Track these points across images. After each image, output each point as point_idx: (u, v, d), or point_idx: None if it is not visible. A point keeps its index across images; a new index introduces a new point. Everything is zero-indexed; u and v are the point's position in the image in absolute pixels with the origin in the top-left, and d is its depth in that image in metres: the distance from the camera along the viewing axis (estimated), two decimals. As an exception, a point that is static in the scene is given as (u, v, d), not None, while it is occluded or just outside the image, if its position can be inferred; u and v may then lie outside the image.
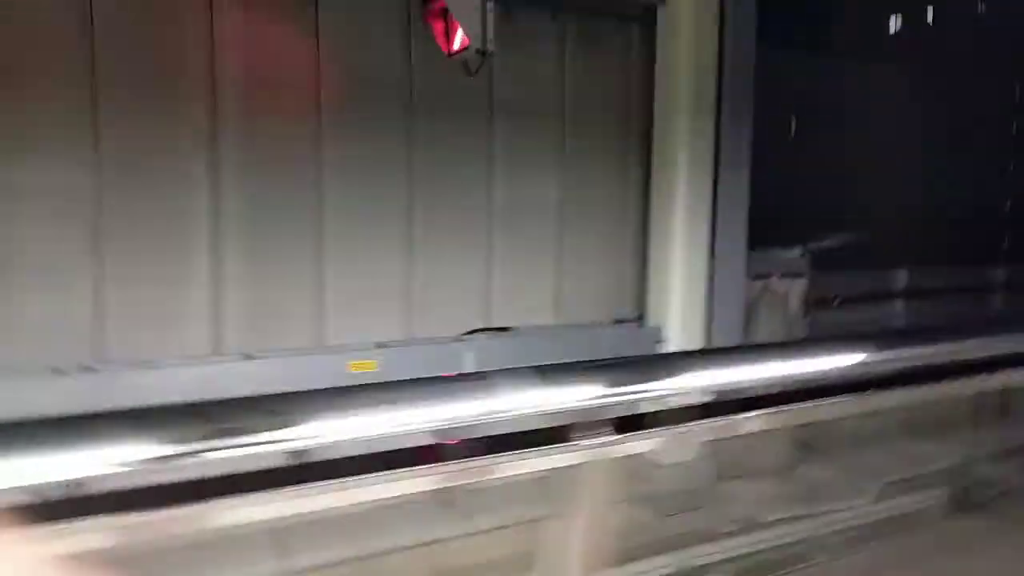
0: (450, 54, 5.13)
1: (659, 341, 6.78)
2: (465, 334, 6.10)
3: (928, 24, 8.83)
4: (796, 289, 7.48)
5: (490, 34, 4.96)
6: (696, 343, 6.77)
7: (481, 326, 6.24)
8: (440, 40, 5.16)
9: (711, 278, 6.79)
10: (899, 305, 8.59)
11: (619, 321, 6.83)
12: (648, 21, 6.67)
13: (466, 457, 2.72)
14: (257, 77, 5.29)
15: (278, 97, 5.37)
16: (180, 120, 5.12)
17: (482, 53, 5.00)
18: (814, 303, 7.66)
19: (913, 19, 8.74)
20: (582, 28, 6.49)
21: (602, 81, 6.63)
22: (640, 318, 6.91)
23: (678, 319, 6.69)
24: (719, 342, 6.88)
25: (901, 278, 8.51)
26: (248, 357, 5.23)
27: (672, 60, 6.51)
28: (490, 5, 4.88)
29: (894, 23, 8.58)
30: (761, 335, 7.31)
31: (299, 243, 5.53)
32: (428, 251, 5.99)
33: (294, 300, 5.55)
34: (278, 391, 2.62)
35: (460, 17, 4.92)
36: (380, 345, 5.68)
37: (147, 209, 5.05)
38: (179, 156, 5.13)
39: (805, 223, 7.65)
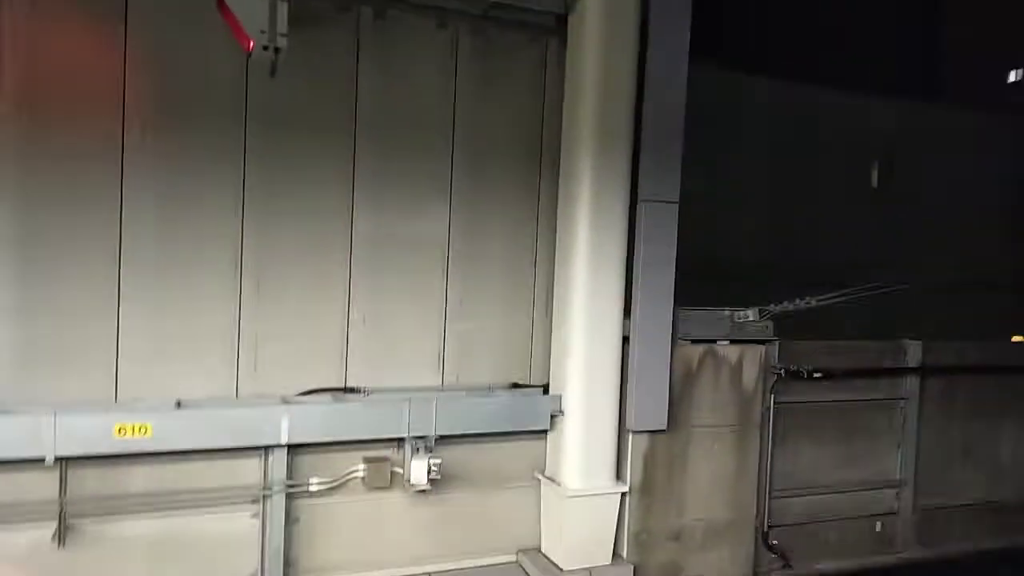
0: (248, 52, 4.06)
1: (556, 413, 5.37)
2: (300, 394, 4.90)
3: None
4: (753, 357, 5.91)
5: (281, 28, 3.87)
6: (605, 416, 5.32)
7: (332, 385, 5.02)
8: (238, 37, 4.10)
9: (624, 340, 5.35)
10: (907, 382, 6.75)
11: (517, 386, 5.46)
12: (562, 34, 5.44)
13: None
14: (45, 82, 4.36)
15: (71, 104, 4.41)
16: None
17: (274, 51, 3.92)
18: (781, 375, 6.05)
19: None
20: (480, 40, 5.31)
21: (506, 102, 5.40)
22: (544, 385, 5.52)
23: (580, 387, 5.27)
24: (637, 417, 5.41)
25: (909, 352, 6.69)
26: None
27: (578, 77, 5.24)
28: (279, -8, 3.79)
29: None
30: (704, 412, 5.77)
31: (90, 275, 4.50)
32: (265, 293, 4.86)
33: (81, 344, 4.50)
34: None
35: (238, 8, 3.85)
36: (181, 405, 4.56)
37: None
38: None
39: (770, 278, 6.11)
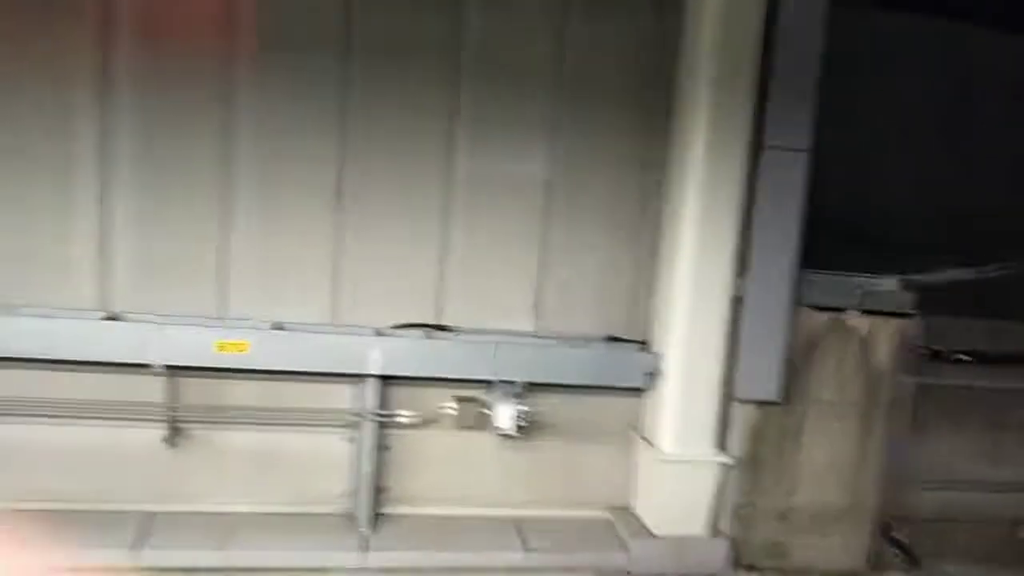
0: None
1: (654, 372, 5.05)
2: (393, 327, 4.90)
3: None
4: (888, 331, 5.26)
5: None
6: (708, 380, 4.95)
7: (425, 321, 4.99)
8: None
9: (737, 300, 4.91)
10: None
11: (614, 339, 5.19)
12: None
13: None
14: (158, 12, 4.50)
15: (182, 32, 4.55)
16: (68, 50, 4.43)
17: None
18: (920, 355, 5.36)
19: None
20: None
21: (617, 37, 4.99)
22: (644, 341, 5.21)
23: (682, 347, 4.91)
24: (745, 385, 4.99)
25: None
26: (112, 317, 4.51)
27: (697, 7, 4.74)
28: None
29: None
30: (825, 387, 5.23)
31: (200, 197, 4.68)
32: (363, 225, 4.87)
33: (193, 264, 4.73)
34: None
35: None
36: (277, 326, 4.69)
37: (31, 148, 4.47)
38: (65, 91, 4.46)
39: (913, 241, 5.37)
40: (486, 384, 4.97)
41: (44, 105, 4.42)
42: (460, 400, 4.99)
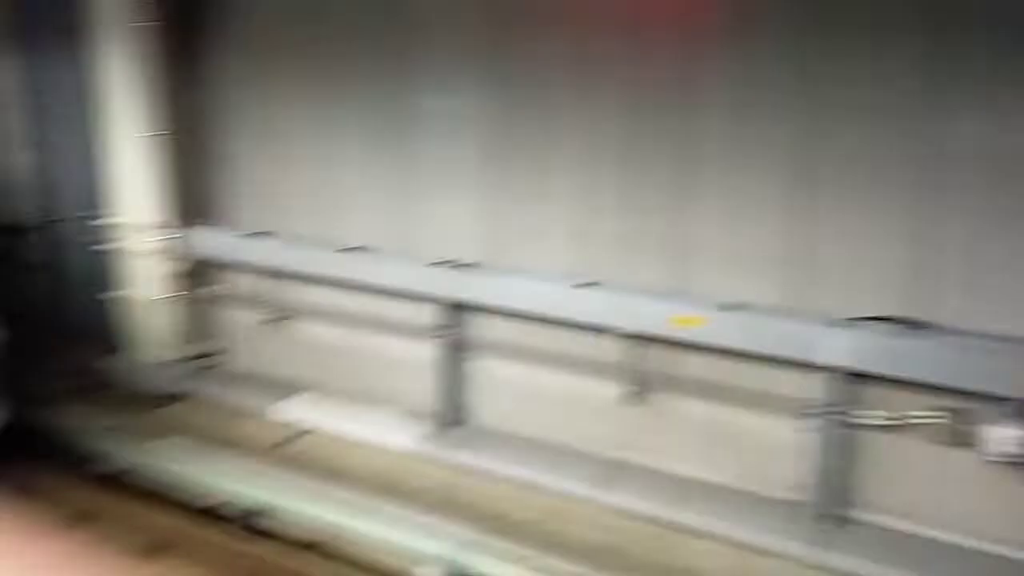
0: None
1: None
2: (854, 319, 4.35)
3: None
4: None
5: None
6: None
7: (892, 315, 4.32)
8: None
9: None
10: None
11: None
12: None
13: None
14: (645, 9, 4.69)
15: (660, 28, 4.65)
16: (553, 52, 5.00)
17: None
18: None
19: None
20: None
21: None
22: None
23: None
24: None
25: None
26: (580, 285, 4.99)
27: None
28: None
29: None
30: None
31: (667, 188, 4.83)
32: (818, 210, 4.43)
33: (659, 242, 4.92)
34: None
35: None
36: (731, 306, 4.59)
37: (525, 136, 5.22)
38: (550, 85, 5.05)
39: None
40: (974, 396, 4.10)
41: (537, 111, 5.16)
42: (939, 410, 4.24)
